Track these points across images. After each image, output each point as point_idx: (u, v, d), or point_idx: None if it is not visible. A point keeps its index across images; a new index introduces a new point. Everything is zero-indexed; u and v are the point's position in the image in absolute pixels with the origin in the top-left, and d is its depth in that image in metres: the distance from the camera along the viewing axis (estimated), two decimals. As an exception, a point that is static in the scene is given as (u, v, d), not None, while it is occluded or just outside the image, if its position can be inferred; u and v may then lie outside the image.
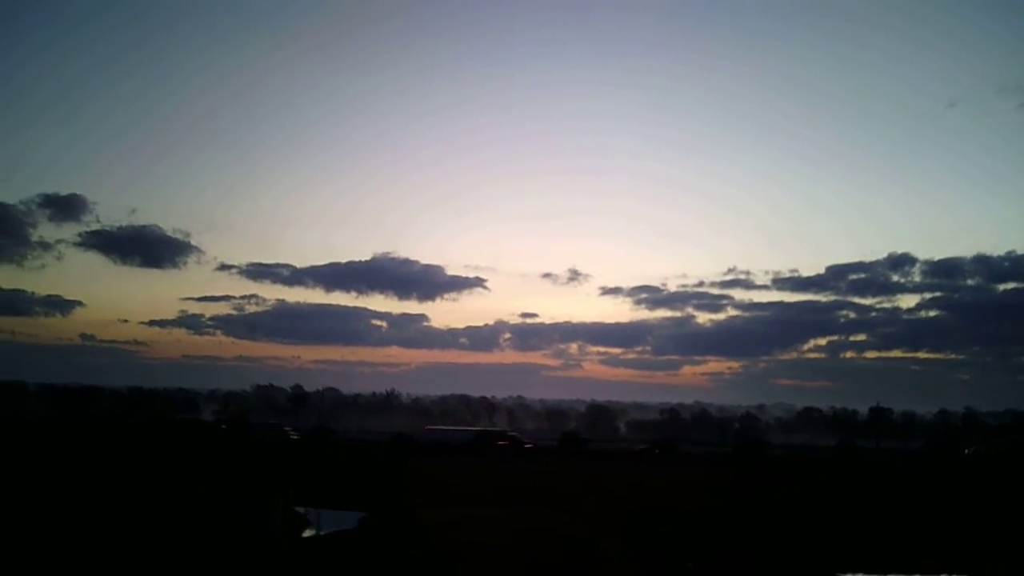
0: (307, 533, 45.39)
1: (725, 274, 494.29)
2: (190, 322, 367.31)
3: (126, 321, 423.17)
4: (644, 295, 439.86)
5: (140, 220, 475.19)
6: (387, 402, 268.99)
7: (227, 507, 38.98)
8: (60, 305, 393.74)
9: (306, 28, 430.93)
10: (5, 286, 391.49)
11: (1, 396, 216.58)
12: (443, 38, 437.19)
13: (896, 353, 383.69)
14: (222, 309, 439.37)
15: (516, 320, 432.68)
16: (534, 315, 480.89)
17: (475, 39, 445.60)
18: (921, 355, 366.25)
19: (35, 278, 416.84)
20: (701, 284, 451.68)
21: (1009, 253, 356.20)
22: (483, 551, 48.46)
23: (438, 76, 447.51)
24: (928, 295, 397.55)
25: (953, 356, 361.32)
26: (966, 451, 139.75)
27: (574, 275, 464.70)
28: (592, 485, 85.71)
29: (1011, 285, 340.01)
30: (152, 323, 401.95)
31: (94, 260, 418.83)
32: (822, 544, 58.56)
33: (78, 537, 35.80)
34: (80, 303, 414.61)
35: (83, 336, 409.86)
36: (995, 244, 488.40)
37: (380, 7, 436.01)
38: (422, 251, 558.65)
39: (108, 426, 48.84)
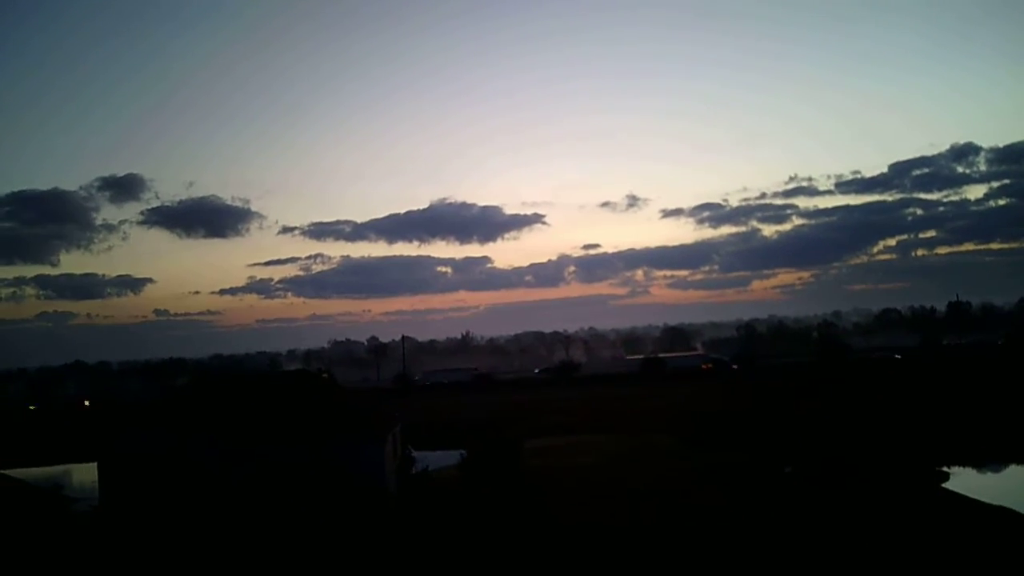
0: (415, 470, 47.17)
1: (787, 183, 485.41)
2: (260, 287, 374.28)
3: (197, 293, 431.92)
4: (706, 213, 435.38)
5: (198, 192, 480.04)
6: (463, 345, 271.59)
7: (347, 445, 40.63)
8: (131, 284, 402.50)
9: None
10: (76, 271, 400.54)
11: (89, 377, 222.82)
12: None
13: (968, 246, 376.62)
14: (289, 271, 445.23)
15: (579, 253, 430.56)
16: (596, 246, 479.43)
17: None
18: (994, 246, 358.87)
19: (104, 260, 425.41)
20: (763, 196, 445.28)
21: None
22: (575, 474, 49.85)
23: (474, 19, 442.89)
24: (996, 183, 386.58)
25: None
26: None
27: (633, 201, 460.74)
28: (679, 404, 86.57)
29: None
30: (223, 292, 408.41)
31: (159, 236, 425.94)
32: (914, 443, 59.16)
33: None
34: (150, 280, 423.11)
35: (157, 312, 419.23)
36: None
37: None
38: (479, 193, 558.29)
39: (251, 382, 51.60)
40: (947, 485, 46.29)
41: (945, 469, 51.86)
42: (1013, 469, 54.84)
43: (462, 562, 29.69)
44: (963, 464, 54.34)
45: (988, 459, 56.08)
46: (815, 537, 31.73)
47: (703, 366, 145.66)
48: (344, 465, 39.10)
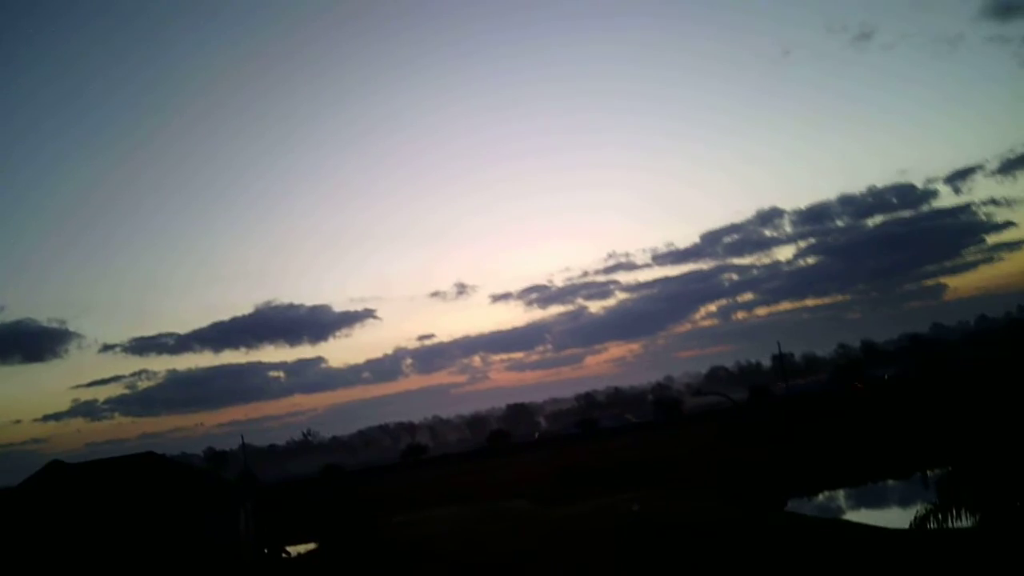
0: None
1: (606, 259, 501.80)
2: (85, 409, 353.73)
3: (19, 421, 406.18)
4: (534, 295, 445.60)
5: (10, 316, 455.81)
6: (305, 445, 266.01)
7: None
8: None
9: (179, 76, 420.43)
10: None
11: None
12: (280, 65, 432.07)
13: (785, 305, 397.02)
14: (115, 390, 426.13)
15: (414, 344, 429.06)
16: (431, 335, 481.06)
17: (318, 60, 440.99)
18: (809, 303, 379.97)
19: None
20: (586, 274, 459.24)
21: (870, 188, 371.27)
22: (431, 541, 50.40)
23: (285, 111, 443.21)
24: (802, 243, 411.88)
25: (840, 298, 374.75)
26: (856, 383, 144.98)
27: (461, 288, 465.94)
28: (528, 470, 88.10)
29: (878, 218, 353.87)
30: (46, 418, 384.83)
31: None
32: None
33: None
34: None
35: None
36: (855, 182, 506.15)
37: (232, 53, 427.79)
38: (304, 293, 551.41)
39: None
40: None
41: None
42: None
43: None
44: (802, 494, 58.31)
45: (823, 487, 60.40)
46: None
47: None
48: (201, 537, 38.56)
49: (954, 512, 21.09)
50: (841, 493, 60.34)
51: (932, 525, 21.71)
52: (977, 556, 22.04)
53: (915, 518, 22.08)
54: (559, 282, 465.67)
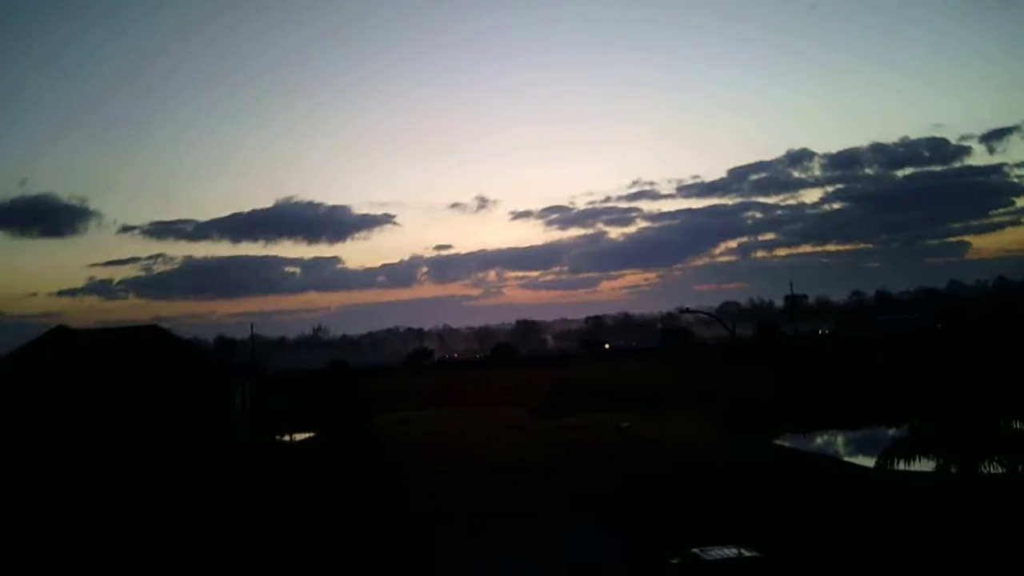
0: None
1: (630, 187, 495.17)
2: (100, 288, 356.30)
3: (35, 294, 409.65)
4: (554, 216, 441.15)
5: (33, 190, 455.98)
6: (315, 340, 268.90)
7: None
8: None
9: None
10: None
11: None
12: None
13: (805, 248, 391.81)
14: (131, 272, 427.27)
15: (431, 253, 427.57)
16: (448, 246, 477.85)
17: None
18: (830, 248, 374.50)
19: None
20: (608, 199, 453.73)
21: (903, 139, 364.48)
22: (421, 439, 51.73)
23: (326, 10, 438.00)
24: (830, 188, 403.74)
25: (862, 245, 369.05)
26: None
27: (482, 202, 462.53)
28: (529, 383, 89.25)
29: (908, 170, 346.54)
30: (62, 293, 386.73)
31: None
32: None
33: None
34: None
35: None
36: (888, 131, 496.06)
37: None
38: (326, 192, 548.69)
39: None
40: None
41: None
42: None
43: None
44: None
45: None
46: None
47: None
48: (198, 413, 39.70)
49: (915, 456, 21.89)
50: (830, 435, 61.22)
51: (896, 466, 22.53)
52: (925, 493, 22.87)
53: (878, 459, 22.88)
54: (581, 205, 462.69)
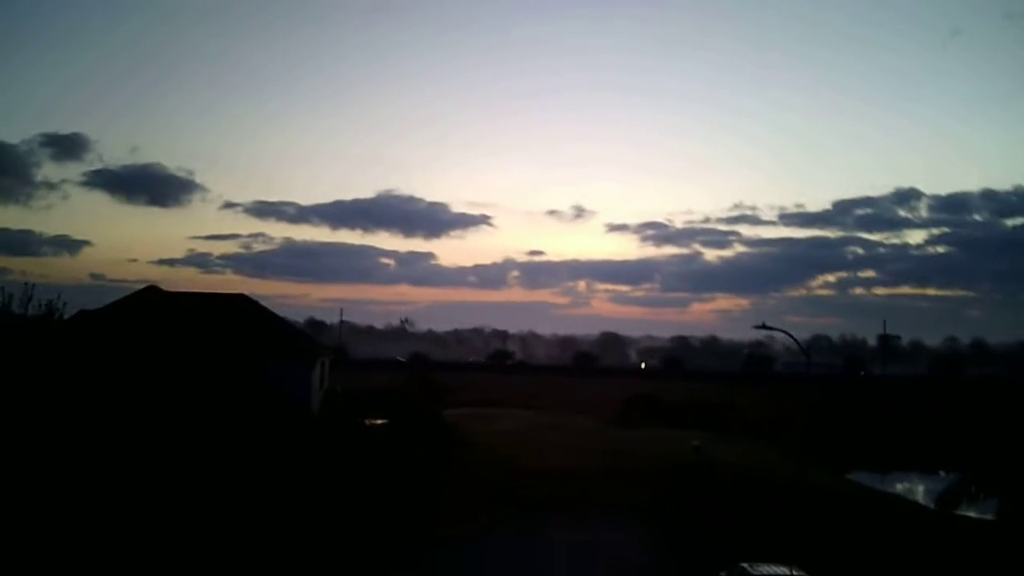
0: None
1: (731, 210, 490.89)
2: (199, 261, 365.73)
3: (135, 260, 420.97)
4: (651, 232, 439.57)
5: (143, 159, 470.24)
6: (401, 332, 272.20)
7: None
8: (68, 245, 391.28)
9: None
10: (13, 227, 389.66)
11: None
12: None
13: (905, 289, 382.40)
14: (230, 248, 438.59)
15: (523, 258, 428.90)
16: (541, 252, 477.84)
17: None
18: (930, 291, 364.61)
19: (42, 218, 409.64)
20: (707, 220, 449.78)
21: (1017, 188, 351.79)
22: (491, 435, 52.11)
23: (440, 10, 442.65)
24: (935, 230, 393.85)
25: (963, 292, 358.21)
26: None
27: (579, 212, 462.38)
28: (604, 394, 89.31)
29: (1019, 220, 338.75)
30: (161, 262, 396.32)
31: (99, 199, 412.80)
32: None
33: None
34: (88, 242, 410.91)
35: (93, 276, 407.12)
36: (1002, 178, 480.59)
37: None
38: (425, 188, 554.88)
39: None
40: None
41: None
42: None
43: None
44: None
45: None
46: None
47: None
48: (277, 383, 40.58)
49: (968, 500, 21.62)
50: (905, 475, 60.03)
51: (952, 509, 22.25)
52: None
53: (937, 500, 22.60)
54: (678, 223, 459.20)
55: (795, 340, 36.63)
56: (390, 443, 42.30)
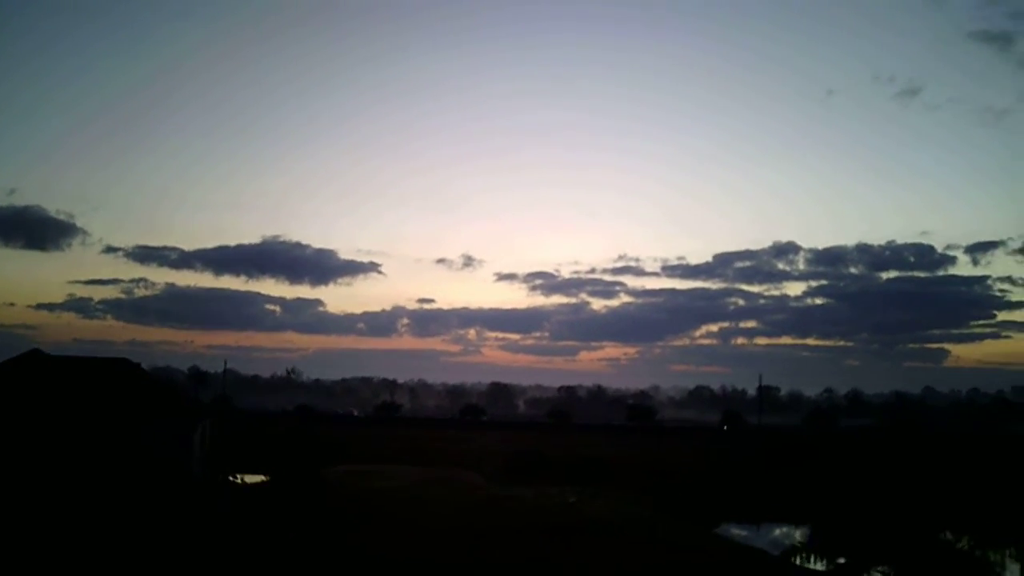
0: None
1: (616, 260, 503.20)
2: (79, 306, 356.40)
3: (12, 304, 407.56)
4: (539, 281, 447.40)
5: (21, 200, 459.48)
6: (287, 382, 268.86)
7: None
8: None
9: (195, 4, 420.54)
10: None
11: None
12: (329, 13, 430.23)
13: (786, 340, 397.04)
14: (111, 293, 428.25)
15: (413, 305, 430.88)
16: (431, 300, 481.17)
17: (367, 12, 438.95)
18: (810, 341, 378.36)
19: None
20: (593, 271, 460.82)
21: (889, 242, 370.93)
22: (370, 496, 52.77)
23: (328, 56, 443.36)
24: (814, 283, 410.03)
25: (841, 343, 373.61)
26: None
27: (468, 261, 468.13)
28: (490, 448, 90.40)
29: (893, 273, 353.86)
30: (40, 307, 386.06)
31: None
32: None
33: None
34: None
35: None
36: (875, 234, 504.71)
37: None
38: (312, 235, 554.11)
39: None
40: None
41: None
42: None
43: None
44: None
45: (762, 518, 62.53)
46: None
47: None
48: (158, 445, 40.74)
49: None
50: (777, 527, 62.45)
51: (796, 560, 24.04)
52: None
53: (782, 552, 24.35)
54: (566, 273, 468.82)
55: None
56: (265, 503, 42.65)
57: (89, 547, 30.77)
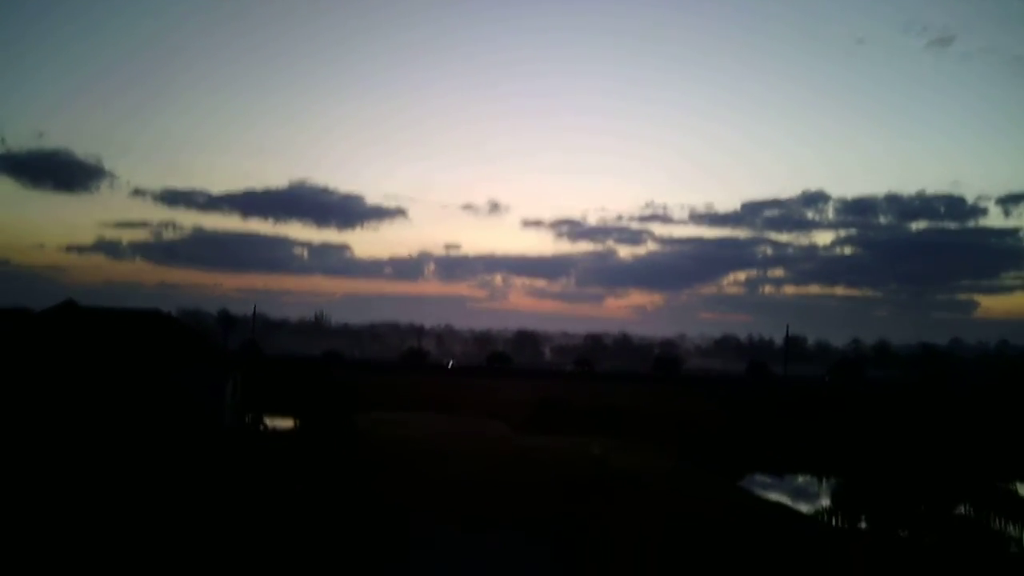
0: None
1: (643, 208, 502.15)
2: (108, 248, 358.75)
3: (42, 246, 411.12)
4: (565, 228, 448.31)
5: (49, 144, 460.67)
6: (316, 326, 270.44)
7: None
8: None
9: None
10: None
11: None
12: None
13: (813, 289, 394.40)
14: (139, 235, 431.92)
15: (440, 251, 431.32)
16: (457, 246, 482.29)
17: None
18: (838, 291, 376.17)
19: None
20: (620, 218, 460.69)
21: (919, 192, 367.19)
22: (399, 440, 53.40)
23: (360, 4, 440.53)
24: (843, 232, 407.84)
25: (870, 293, 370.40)
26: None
27: (494, 207, 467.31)
28: (516, 397, 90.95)
29: (923, 223, 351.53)
30: (69, 249, 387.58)
31: (3, 185, 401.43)
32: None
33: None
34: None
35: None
36: (905, 183, 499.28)
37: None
38: (340, 179, 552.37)
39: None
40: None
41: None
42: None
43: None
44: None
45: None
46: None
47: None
48: (188, 395, 41.41)
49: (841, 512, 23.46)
50: (801, 479, 62.79)
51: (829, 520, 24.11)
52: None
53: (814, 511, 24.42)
54: (592, 220, 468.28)
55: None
56: (295, 449, 43.32)
57: (112, 498, 31.36)
